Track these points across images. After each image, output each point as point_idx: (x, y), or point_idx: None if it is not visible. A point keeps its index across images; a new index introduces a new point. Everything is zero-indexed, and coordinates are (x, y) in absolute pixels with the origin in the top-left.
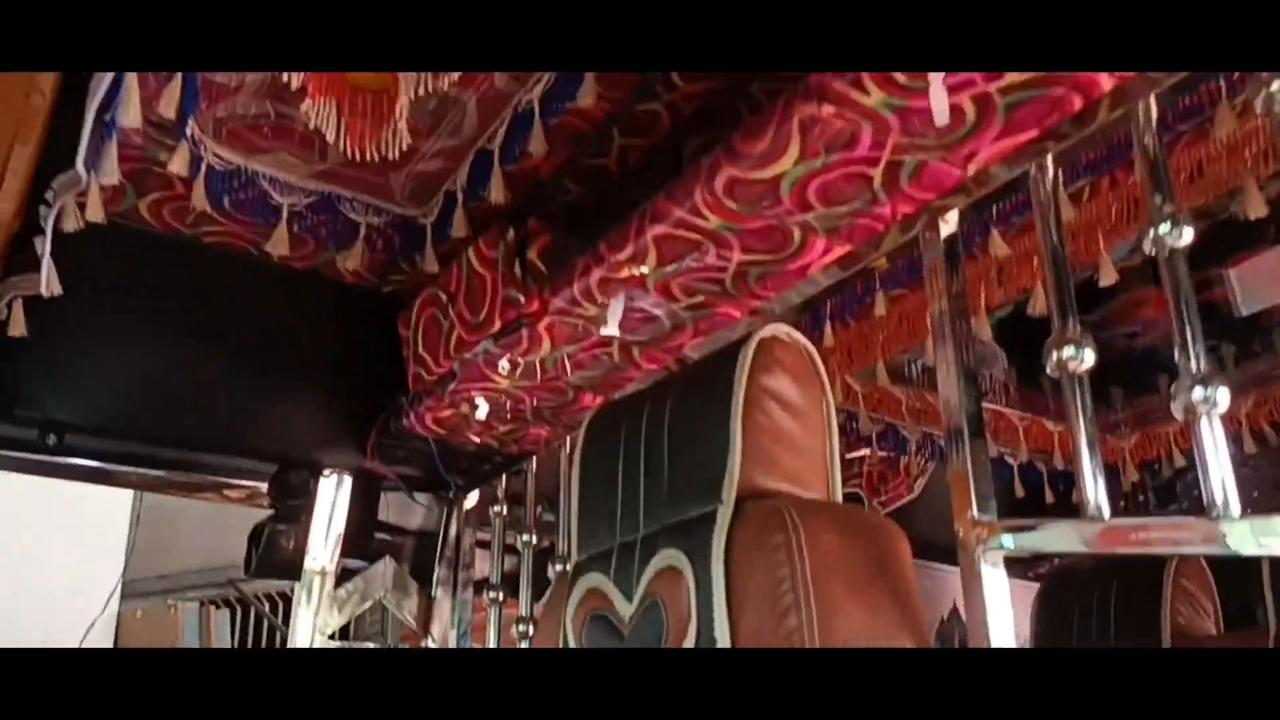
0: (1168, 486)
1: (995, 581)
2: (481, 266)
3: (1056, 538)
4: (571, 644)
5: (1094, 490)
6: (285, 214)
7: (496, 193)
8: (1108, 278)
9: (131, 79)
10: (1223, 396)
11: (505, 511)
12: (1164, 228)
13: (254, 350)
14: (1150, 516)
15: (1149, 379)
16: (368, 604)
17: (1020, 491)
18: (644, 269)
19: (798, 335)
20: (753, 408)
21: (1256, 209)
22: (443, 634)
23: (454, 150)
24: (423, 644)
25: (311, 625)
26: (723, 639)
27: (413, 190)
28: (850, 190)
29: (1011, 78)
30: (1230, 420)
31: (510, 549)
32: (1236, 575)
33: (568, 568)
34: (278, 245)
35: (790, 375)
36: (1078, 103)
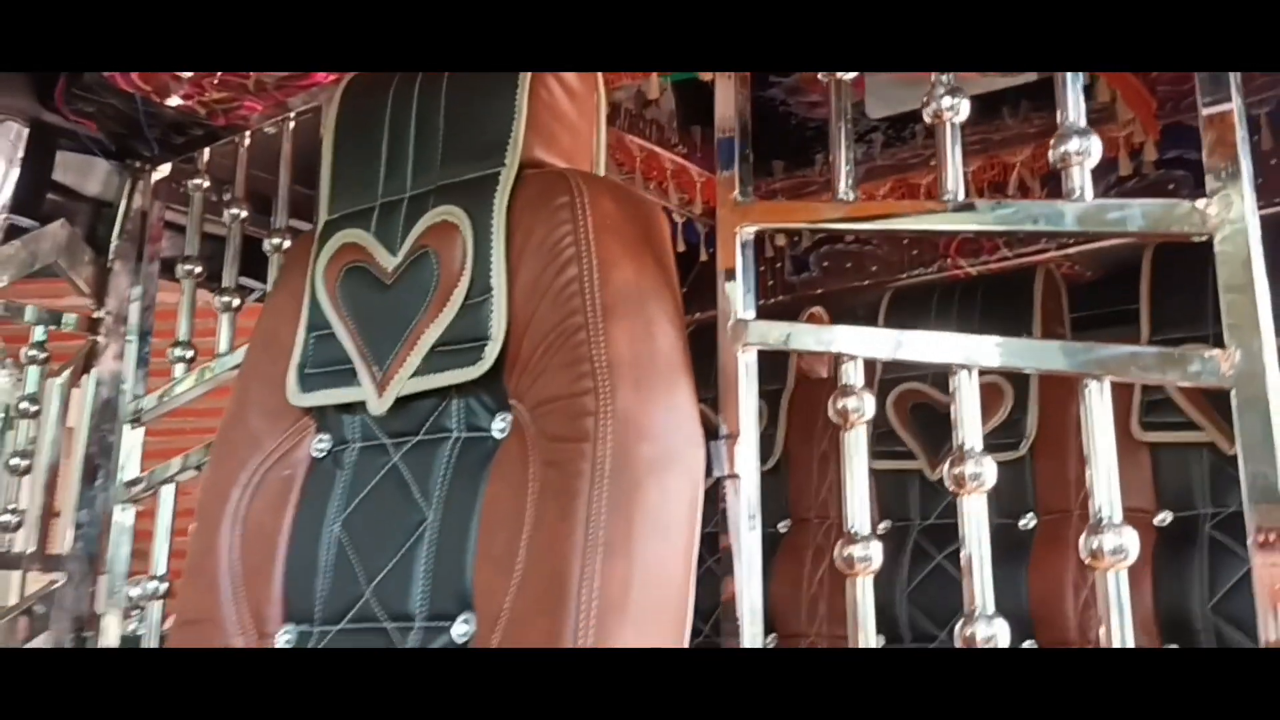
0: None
1: (746, 242)
2: None
3: (813, 212)
4: (323, 296)
5: (844, 176)
6: None
7: None
8: None
9: None
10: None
11: (208, 185)
12: None
13: None
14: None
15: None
16: (37, 266)
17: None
18: None
19: None
20: (538, 84)
21: None
22: (119, 307)
23: None
24: (94, 315)
25: None
26: (499, 288)
27: None
28: None
29: None
30: None
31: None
32: None
33: (318, 227)
34: None
35: None
36: None
